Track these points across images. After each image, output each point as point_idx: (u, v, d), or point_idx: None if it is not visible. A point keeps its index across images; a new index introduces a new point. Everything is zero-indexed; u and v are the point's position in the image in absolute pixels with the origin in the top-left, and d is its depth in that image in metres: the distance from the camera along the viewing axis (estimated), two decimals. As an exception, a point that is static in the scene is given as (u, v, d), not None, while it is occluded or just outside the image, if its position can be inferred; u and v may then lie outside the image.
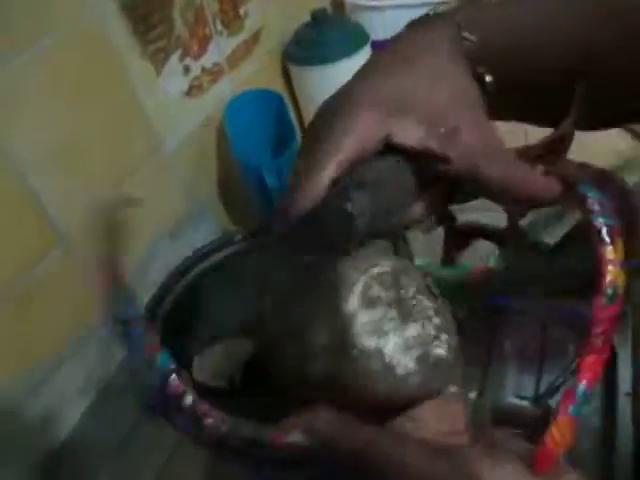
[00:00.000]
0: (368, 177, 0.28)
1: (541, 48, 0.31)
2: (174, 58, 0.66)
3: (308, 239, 0.28)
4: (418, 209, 0.31)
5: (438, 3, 1.05)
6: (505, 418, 0.46)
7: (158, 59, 0.63)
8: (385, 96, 0.29)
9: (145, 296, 0.53)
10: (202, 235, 0.71)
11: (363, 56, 0.86)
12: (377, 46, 0.96)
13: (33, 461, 0.51)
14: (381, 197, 0.29)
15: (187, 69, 0.68)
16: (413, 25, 0.33)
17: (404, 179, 0.30)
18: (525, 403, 0.46)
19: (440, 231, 0.64)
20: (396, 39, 0.32)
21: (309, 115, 0.92)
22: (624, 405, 0.44)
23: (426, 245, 0.63)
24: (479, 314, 0.51)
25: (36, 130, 0.50)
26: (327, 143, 0.28)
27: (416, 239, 0.64)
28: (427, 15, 0.33)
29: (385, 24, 1.01)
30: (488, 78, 0.30)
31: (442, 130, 0.28)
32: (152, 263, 0.64)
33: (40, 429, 0.52)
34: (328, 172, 0.28)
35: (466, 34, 0.30)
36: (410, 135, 0.29)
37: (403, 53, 0.31)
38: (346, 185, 0.28)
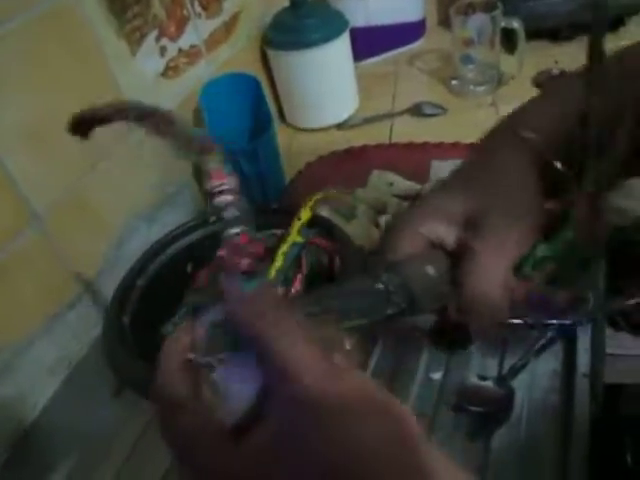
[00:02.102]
0: (404, 263, 0.33)
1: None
2: (150, 38, 0.65)
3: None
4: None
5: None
6: (469, 397, 0.48)
7: (134, 39, 0.63)
8: (455, 211, 0.35)
9: (121, 274, 0.53)
10: (177, 217, 0.71)
11: (341, 42, 0.87)
12: (356, 33, 0.97)
13: (2, 440, 0.51)
14: (416, 279, 0.33)
15: (163, 50, 0.68)
16: (490, 140, 0.39)
17: (441, 265, 0.34)
18: (488, 383, 0.48)
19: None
20: (475, 153, 0.39)
21: (287, 99, 0.93)
22: (581, 385, 0.46)
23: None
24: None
25: (9, 109, 0.49)
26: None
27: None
28: (498, 131, 0.39)
29: (365, 12, 1.02)
30: (558, 164, 0.35)
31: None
32: (128, 244, 0.64)
33: (10, 408, 0.52)
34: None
35: (525, 133, 0.36)
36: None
37: (476, 166, 0.38)
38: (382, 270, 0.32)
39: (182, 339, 0.24)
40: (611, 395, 0.54)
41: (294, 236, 0.42)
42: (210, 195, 0.20)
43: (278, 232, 0.54)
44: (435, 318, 0.37)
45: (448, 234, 0.35)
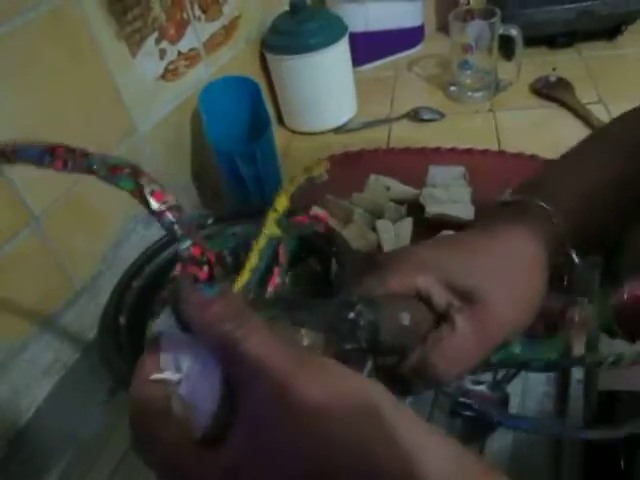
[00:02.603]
0: (382, 302, 0.32)
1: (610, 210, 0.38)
2: (150, 41, 0.65)
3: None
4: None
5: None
6: (464, 402, 0.48)
7: (134, 41, 0.63)
8: (455, 278, 0.33)
9: (118, 276, 0.53)
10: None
11: (340, 47, 0.87)
12: (356, 38, 0.97)
13: (-4, 441, 0.51)
14: (387, 322, 0.31)
15: (163, 52, 0.68)
16: (507, 210, 0.37)
17: (417, 317, 0.33)
18: (483, 388, 0.48)
19: (409, 221, 0.65)
20: (489, 218, 0.37)
21: (285, 103, 0.93)
22: (576, 390, 0.47)
23: (395, 235, 0.65)
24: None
25: (8, 110, 0.49)
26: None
27: (386, 230, 0.66)
28: (516, 202, 0.37)
29: (364, 17, 1.02)
30: (577, 259, 0.35)
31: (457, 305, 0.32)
32: (126, 244, 0.64)
33: (4, 409, 0.51)
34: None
35: (556, 221, 0.35)
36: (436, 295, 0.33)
37: (490, 235, 0.35)
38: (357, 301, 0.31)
39: (147, 361, 0.24)
40: (607, 402, 0.54)
41: (271, 229, 0.39)
42: (158, 215, 0.21)
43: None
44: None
45: (440, 296, 0.33)
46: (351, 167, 0.80)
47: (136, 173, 0.21)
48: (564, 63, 0.95)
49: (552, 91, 0.88)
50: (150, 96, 0.67)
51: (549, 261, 0.35)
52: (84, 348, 0.59)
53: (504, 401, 0.47)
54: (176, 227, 0.21)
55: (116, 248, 0.63)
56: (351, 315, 0.30)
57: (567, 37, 0.98)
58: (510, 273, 0.33)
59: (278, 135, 0.88)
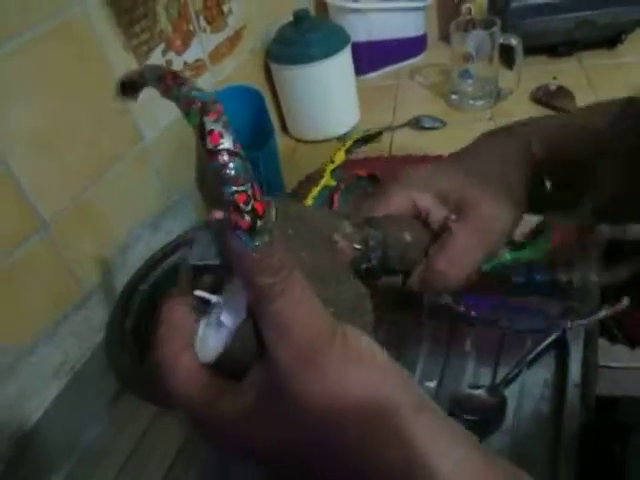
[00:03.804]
0: (386, 222, 0.35)
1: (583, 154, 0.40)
2: (157, 52, 0.67)
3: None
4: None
5: (415, 8, 1.08)
6: (463, 405, 0.48)
7: (141, 52, 0.64)
8: (449, 191, 0.37)
9: (125, 280, 0.55)
10: (181, 224, 0.72)
11: (343, 57, 0.89)
12: (358, 48, 0.99)
13: (4, 441, 0.52)
14: (392, 240, 0.35)
15: (169, 63, 0.69)
16: (493, 135, 0.42)
17: (417, 234, 0.36)
18: (481, 392, 0.49)
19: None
20: (476, 143, 0.42)
21: (289, 112, 0.95)
22: (573, 395, 0.47)
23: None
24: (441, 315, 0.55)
25: (20, 119, 0.51)
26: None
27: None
28: (502, 129, 0.43)
29: (367, 27, 1.04)
30: (548, 184, 0.39)
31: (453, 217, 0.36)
32: (132, 251, 0.65)
33: (12, 411, 0.52)
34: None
35: (536, 149, 0.39)
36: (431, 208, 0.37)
37: (476, 152, 0.41)
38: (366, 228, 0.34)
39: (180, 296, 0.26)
40: (608, 407, 0.55)
41: (326, 180, 0.41)
42: (210, 155, 0.20)
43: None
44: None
45: (436, 210, 0.37)
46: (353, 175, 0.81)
47: (204, 110, 0.20)
48: (564, 72, 0.96)
49: (552, 99, 0.89)
50: (156, 105, 0.68)
51: (527, 164, 0.39)
52: (92, 351, 0.60)
53: (502, 404, 0.48)
54: (224, 171, 0.20)
55: (123, 253, 0.64)
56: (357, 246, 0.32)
57: (567, 46, 0.99)
58: (491, 176, 0.37)
59: (282, 143, 0.89)
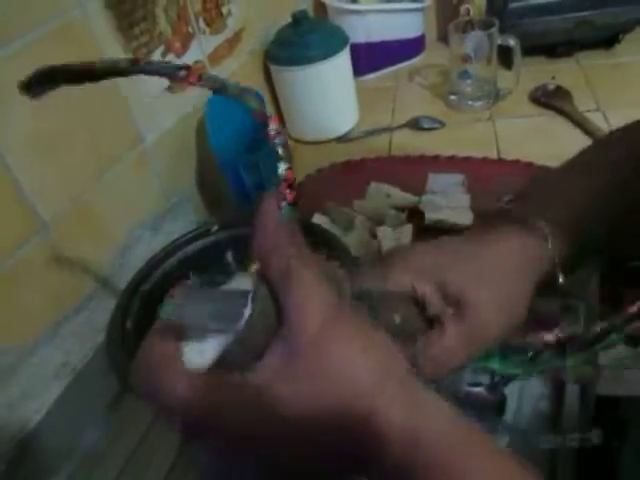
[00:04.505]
0: (380, 299, 0.34)
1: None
2: (156, 54, 0.67)
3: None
4: None
5: (414, 9, 1.08)
6: (462, 403, 0.49)
7: (140, 54, 0.65)
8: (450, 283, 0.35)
9: (125, 281, 0.55)
10: (181, 226, 0.72)
11: (342, 58, 0.89)
12: (357, 49, 0.99)
13: (5, 442, 0.52)
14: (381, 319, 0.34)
15: (169, 65, 0.70)
16: (508, 222, 0.38)
17: (408, 318, 0.35)
18: (481, 389, 0.49)
19: (409, 227, 0.67)
20: (489, 230, 0.38)
21: (288, 113, 0.95)
22: (572, 393, 0.48)
23: (395, 242, 0.66)
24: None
25: (19, 122, 0.51)
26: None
27: (386, 236, 0.67)
28: (519, 205, 0.40)
29: (366, 28, 1.04)
30: (561, 279, 0.37)
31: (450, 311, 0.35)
32: (132, 252, 0.65)
33: (14, 412, 0.53)
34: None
35: (552, 253, 0.36)
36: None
37: (489, 245, 0.37)
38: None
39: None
40: (608, 406, 0.55)
41: None
42: (269, 136, 0.24)
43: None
44: None
45: (434, 300, 0.35)
46: (352, 175, 0.81)
47: (259, 99, 0.24)
48: (563, 72, 0.96)
49: (551, 99, 0.89)
50: (157, 108, 0.68)
51: (539, 272, 0.36)
52: (93, 352, 0.60)
53: (501, 403, 0.48)
54: (279, 150, 0.24)
55: (124, 254, 0.64)
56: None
57: (565, 46, 0.99)
58: (498, 280, 0.35)
59: (281, 144, 0.89)
